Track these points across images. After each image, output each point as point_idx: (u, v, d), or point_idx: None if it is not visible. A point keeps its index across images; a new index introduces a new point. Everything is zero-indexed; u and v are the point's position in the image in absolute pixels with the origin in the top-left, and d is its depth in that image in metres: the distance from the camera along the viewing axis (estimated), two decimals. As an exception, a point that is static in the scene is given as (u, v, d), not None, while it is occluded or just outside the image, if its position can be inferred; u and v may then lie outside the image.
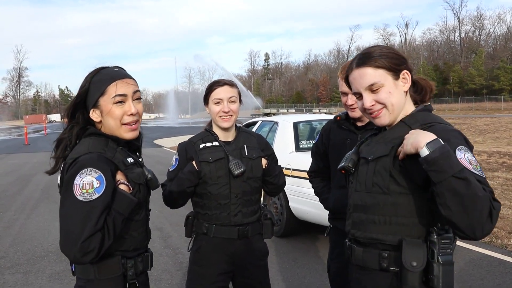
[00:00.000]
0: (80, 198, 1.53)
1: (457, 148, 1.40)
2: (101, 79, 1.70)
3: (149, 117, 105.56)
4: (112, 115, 1.69)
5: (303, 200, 5.23)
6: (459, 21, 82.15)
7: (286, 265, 4.80)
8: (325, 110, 7.62)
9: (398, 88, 1.57)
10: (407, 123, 1.56)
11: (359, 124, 2.53)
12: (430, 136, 1.39)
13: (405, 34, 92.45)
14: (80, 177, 1.55)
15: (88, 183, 1.54)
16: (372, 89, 1.56)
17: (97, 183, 1.55)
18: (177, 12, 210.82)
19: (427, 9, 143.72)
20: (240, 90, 2.48)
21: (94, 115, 1.72)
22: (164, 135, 29.11)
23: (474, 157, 1.43)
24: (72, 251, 1.49)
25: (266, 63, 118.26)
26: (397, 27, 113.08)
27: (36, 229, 6.58)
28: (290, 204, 5.49)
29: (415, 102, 1.66)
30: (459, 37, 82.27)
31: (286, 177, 2.69)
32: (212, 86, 2.40)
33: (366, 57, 1.59)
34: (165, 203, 2.42)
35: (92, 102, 1.71)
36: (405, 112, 1.61)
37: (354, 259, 1.66)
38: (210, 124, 2.48)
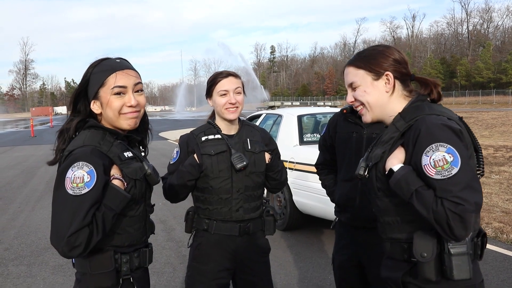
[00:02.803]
0: (70, 192, 1.51)
1: (425, 152, 1.44)
2: (101, 70, 1.68)
3: (155, 109, 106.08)
4: (111, 106, 1.67)
5: (307, 193, 5.19)
6: (467, 13, 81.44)
7: (289, 259, 4.78)
8: (329, 104, 7.57)
9: (376, 88, 1.65)
10: (396, 126, 1.60)
11: None
12: (388, 166, 1.53)
13: (412, 27, 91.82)
14: (72, 171, 1.53)
15: (79, 177, 1.51)
16: (352, 87, 1.71)
17: (88, 177, 1.52)
18: (182, 6, 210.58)
19: (434, 1, 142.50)
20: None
21: (95, 106, 1.70)
22: (170, 127, 29.12)
23: (452, 149, 1.41)
24: (60, 245, 1.48)
25: (272, 56, 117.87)
26: (404, 20, 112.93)
27: (40, 221, 6.61)
28: (293, 197, 5.45)
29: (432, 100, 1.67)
30: (466, 30, 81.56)
31: (290, 170, 2.67)
32: (216, 78, 2.31)
33: (355, 57, 1.73)
34: (165, 197, 2.38)
35: (92, 94, 1.69)
36: (397, 110, 1.64)
37: (386, 251, 1.72)
38: (212, 117, 2.42)
